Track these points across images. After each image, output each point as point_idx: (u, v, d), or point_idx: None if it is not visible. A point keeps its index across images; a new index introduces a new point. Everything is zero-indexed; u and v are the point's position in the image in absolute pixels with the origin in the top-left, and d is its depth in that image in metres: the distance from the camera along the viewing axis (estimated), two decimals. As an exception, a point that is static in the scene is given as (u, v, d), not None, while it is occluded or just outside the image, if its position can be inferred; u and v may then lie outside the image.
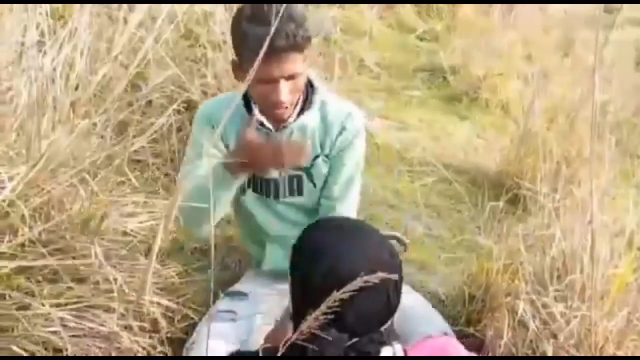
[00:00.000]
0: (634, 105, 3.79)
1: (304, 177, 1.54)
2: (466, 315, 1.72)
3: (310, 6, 3.03)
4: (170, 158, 2.12)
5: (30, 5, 1.97)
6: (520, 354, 1.57)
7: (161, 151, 2.14)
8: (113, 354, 1.36)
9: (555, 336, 1.49)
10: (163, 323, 1.46)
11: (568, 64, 4.11)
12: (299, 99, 1.44)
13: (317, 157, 1.52)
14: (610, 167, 2.15)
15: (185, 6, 2.70)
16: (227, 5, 2.65)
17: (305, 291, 0.96)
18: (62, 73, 1.98)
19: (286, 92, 1.33)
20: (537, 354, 1.53)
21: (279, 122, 1.44)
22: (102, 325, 1.35)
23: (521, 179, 2.46)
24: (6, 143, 1.60)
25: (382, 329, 0.97)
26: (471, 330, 1.65)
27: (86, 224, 1.53)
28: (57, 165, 1.56)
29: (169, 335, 1.49)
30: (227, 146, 1.49)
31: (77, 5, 2.41)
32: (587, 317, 1.45)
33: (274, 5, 1.22)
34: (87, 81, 1.96)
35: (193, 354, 1.40)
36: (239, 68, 1.37)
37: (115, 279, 1.39)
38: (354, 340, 0.92)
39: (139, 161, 2.05)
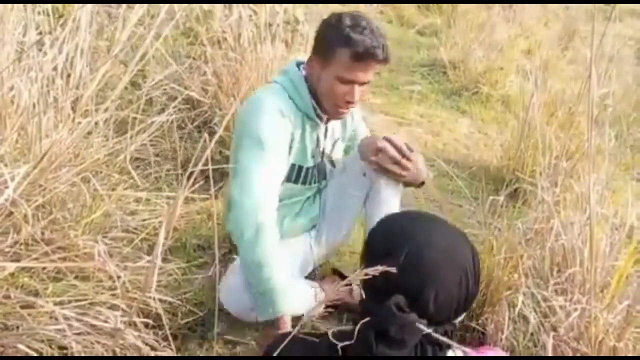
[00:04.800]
0: (634, 99, 3.79)
1: (327, 163, 1.75)
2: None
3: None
4: (171, 155, 2.13)
5: (29, 5, 1.98)
6: (521, 347, 1.57)
7: (162, 149, 2.14)
8: (117, 351, 1.37)
9: (555, 329, 1.50)
10: (166, 319, 1.47)
11: (568, 58, 4.10)
12: None
13: (336, 140, 1.77)
14: (610, 160, 2.16)
15: (184, 4, 2.71)
16: (226, 3, 2.65)
17: (383, 272, 0.92)
18: (63, 72, 1.99)
19: (358, 97, 1.55)
20: (538, 347, 1.54)
21: (334, 117, 1.65)
22: (105, 322, 1.36)
23: (521, 173, 2.46)
24: (8, 143, 1.60)
25: (457, 321, 0.98)
26: (472, 324, 1.65)
27: (89, 222, 1.54)
28: (59, 164, 1.57)
29: (172, 331, 1.50)
30: (290, 140, 1.59)
31: (77, 4, 2.41)
32: (587, 310, 1.46)
33: (366, 20, 1.49)
34: (87, 80, 1.97)
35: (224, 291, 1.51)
36: (321, 62, 1.53)
37: (119, 277, 1.40)
38: (430, 329, 0.91)
39: (140, 159, 2.06)
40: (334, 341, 0.90)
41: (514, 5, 4.69)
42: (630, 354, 1.45)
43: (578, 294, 1.51)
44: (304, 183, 1.70)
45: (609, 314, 1.45)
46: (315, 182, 1.74)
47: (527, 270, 1.66)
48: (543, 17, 5.21)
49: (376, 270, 0.86)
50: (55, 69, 2.00)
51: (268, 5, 2.58)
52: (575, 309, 1.47)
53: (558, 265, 1.67)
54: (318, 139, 1.68)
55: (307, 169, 1.68)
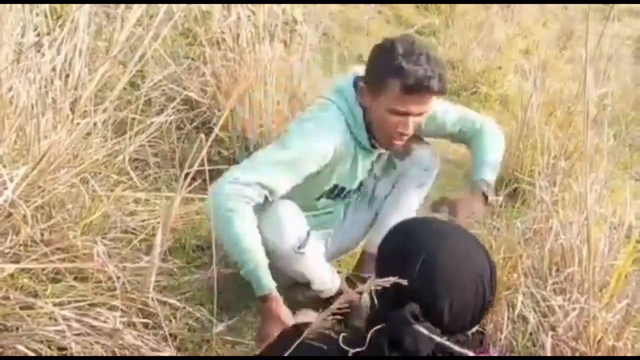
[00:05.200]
0: (632, 98, 3.79)
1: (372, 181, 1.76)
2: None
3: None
4: (170, 156, 2.13)
5: (27, 6, 1.97)
6: (520, 347, 1.58)
7: (161, 149, 2.14)
8: (116, 351, 1.37)
9: (554, 329, 1.50)
10: (166, 320, 1.47)
11: (566, 57, 4.11)
12: None
13: (389, 158, 1.73)
14: (608, 159, 2.16)
15: (183, 4, 2.71)
16: (224, 4, 2.65)
17: (400, 275, 0.90)
18: (61, 73, 1.99)
19: (412, 128, 1.46)
20: (537, 347, 1.54)
21: (387, 148, 1.59)
22: (105, 322, 1.36)
23: (520, 173, 2.46)
24: (7, 144, 1.60)
25: (470, 332, 0.95)
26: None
27: (88, 223, 1.54)
28: (57, 165, 1.57)
29: (171, 331, 1.50)
30: (334, 161, 1.52)
31: (76, 5, 2.41)
32: (585, 310, 1.46)
33: (422, 48, 1.41)
34: (86, 80, 1.97)
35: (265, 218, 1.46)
36: (372, 92, 1.46)
37: (118, 277, 1.40)
38: (444, 338, 0.89)
39: (139, 160, 2.06)
40: (345, 347, 0.89)
41: (512, 5, 4.70)
42: (629, 354, 1.45)
43: (577, 294, 1.51)
44: (342, 198, 1.69)
45: (607, 313, 1.46)
46: (350, 197, 1.73)
47: (526, 270, 1.66)
48: (541, 17, 5.22)
49: (388, 281, 0.86)
50: (53, 69, 2.00)
51: (266, 6, 2.58)
52: (574, 309, 1.48)
53: (557, 265, 1.68)
54: (372, 166, 1.66)
55: (350, 190, 1.66)
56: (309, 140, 1.46)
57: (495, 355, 1.07)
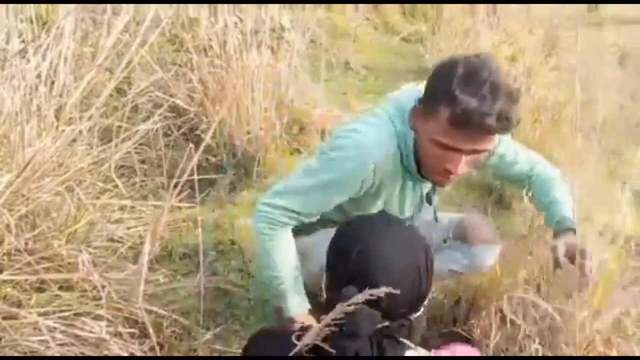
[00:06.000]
0: (617, 104, 3.84)
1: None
2: (454, 315, 1.73)
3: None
4: (157, 163, 2.11)
5: (12, 12, 1.96)
6: (508, 354, 1.58)
7: (148, 157, 2.13)
8: (102, 362, 1.35)
9: (543, 335, 1.51)
10: (152, 330, 1.45)
11: (551, 64, 4.16)
12: None
13: None
14: (595, 165, 2.18)
15: (170, 11, 2.70)
16: (212, 10, 2.65)
17: (342, 263, 0.98)
18: (47, 80, 1.97)
19: (464, 167, 1.23)
20: (525, 353, 1.54)
21: (433, 183, 1.39)
22: (90, 332, 1.34)
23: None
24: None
25: (413, 317, 0.99)
26: (458, 329, 1.66)
27: (73, 231, 1.52)
28: (42, 173, 1.55)
29: (158, 341, 1.48)
30: (378, 186, 1.34)
31: (62, 11, 2.39)
32: (574, 316, 1.47)
33: (490, 74, 1.15)
34: (71, 87, 1.95)
35: None
36: (422, 115, 1.24)
37: (103, 286, 1.38)
38: (385, 323, 0.93)
39: (126, 167, 2.04)
40: (295, 341, 0.92)
41: (498, 12, 4.74)
42: None
43: (565, 301, 1.52)
44: None
45: (596, 319, 1.46)
46: None
47: (515, 276, 1.66)
48: (527, 23, 5.27)
49: (382, 291, 0.87)
50: (38, 76, 1.98)
51: (254, 13, 2.58)
52: (563, 315, 1.48)
53: (545, 271, 1.68)
54: (423, 195, 1.45)
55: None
56: (342, 162, 1.29)
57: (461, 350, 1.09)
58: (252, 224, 1.39)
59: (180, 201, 1.56)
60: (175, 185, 1.34)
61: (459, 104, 1.14)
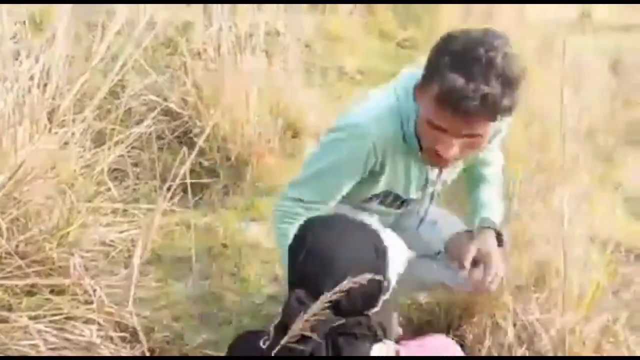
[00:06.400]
0: (608, 110, 3.87)
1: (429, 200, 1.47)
2: (445, 320, 1.73)
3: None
4: (150, 167, 2.11)
5: (5, 14, 1.95)
6: None
7: (141, 160, 2.12)
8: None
9: (532, 342, 1.52)
10: (143, 334, 1.45)
11: (544, 71, 4.18)
12: None
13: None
14: (585, 171, 2.20)
15: (165, 14, 2.71)
16: (206, 13, 2.65)
17: (291, 271, 1.00)
18: (40, 82, 1.97)
19: (455, 150, 1.14)
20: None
21: (431, 165, 1.30)
22: (81, 336, 1.34)
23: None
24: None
25: (370, 313, 0.99)
26: (450, 335, 1.66)
27: (64, 234, 1.52)
28: (34, 176, 1.54)
29: (149, 345, 1.48)
30: (381, 164, 1.29)
31: (56, 13, 2.39)
32: (563, 323, 1.48)
33: (489, 51, 1.05)
34: (64, 90, 1.95)
35: None
36: (419, 90, 1.17)
37: (95, 290, 1.38)
38: (341, 321, 0.93)
39: (118, 170, 2.03)
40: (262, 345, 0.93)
41: (492, 18, 4.77)
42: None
43: (554, 307, 1.53)
44: (397, 208, 1.44)
45: (585, 325, 1.47)
46: (408, 208, 1.46)
47: (505, 283, 1.67)
48: (520, 28, 5.31)
49: (364, 278, 0.88)
50: (31, 78, 1.98)
51: (249, 17, 2.58)
52: (552, 322, 1.49)
53: (535, 278, 1.69)
54: (428, 179, 1.37)
55: (405, 200, 1.41)
56: (341, 143, 1.25)
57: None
58: (272, 226, 1.35)
59: (172, 205, 1.56)
60: (168, 189, 1.34)
61: (446, 81, 1.05)
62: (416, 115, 1.19)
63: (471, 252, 1.33)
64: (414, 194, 1.39)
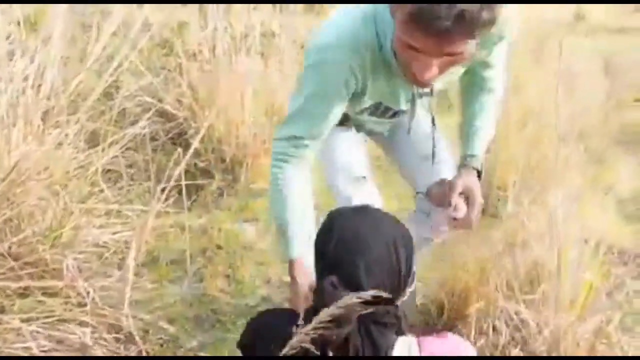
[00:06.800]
0: (602, 113, 3.88)
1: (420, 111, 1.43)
2: (439, 321, 1.74)
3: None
4: (144, 167, 2.11)
5: (0, 15, 1.94)
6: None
7: (135, 160, 2.12)
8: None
9: (526, 342, 1.52)
10: (138, 336, 1.44)
11: (538, 73, 4.20)
12: None
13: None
14: (578, 173, 2.21)
15: (160, 16, 2.70)
16: (202, 14, 2.65)
17: (321, 259, 1.01)
18: (34, 83, 1.96)
19: (434, 71, 1.08)
20: (509, 360, 1.55)
21: (416, 85, 1.23)
22: (75, 338, 1.33)
23: (491, 187, 2.50)
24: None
25: (398, 302, 1.01)
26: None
27: (58, 235, 1.51)
28: (27, 177, 1.54)
29: (144, 347, 1.48)
30: (363, 84, 1.24)
31: (51, 13, 2.38)
32: (557, 324, 1.48)
33: None
34: (59, 91, 1.94)
35: None
36: (395, 6, 1.07)
37: (88, 292, 1.38)
38: (371, 309, 0.94)
39: (112, 171, 2.03)
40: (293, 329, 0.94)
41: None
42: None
43: (548, 308, 1.53)
44: (390, 118, 1.41)
45: (578, 327, 1.48)
46: (398, 117, 1.41)
47: (498, 284, 1.68)
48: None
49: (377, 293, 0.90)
50: (26, 79, 1.97)
51: (244, 18, 2.58)
52: (546, 323, 1.50)
53: (529, 279, 1.70)
54: (415, 93, 1.31)
55: (398, 111, 1.37)
56: (316, 69, 1.20)
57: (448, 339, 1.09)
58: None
59: (167, 206, 1.55)
60: (162, 191, 1.34)
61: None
62: (393, 29, 1.10)
63: (457, 190, 1.35)
64: (404, 106, 1.35)
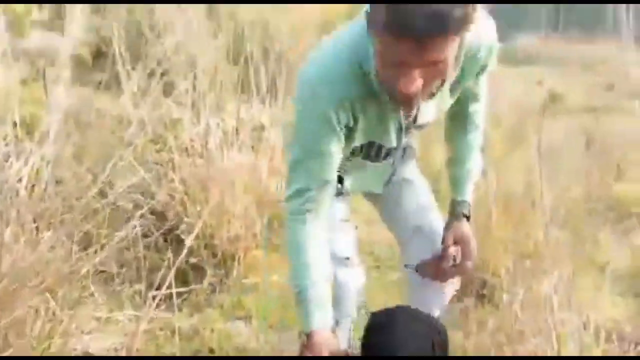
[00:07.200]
0: (587, 190, 3.95)
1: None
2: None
3: None
4: (136, 267, 2.09)
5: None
6: None
7: (127, 260, 2.11)
8: None
9: None
10: None
11: (519, 154, 4.30)
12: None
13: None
14: (568, 256, 2.21)
15: (155, 111, 2.80)
16: (194, 110, 2.74)
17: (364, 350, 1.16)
18: (27, 184, 1.98)
19: (419, 83, 1.04)
20: None
21: (401, 107, 1.21)
22: None
23: (486, 273, 2.48)
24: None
25: None
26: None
27: (46, 346, 1.47)
28: (19, 285, 1.52)
29: None
30: (354, 116, 1.21)
31: (46, 116, 2.44)
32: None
33: None
34: (52, 193, 1.96)
35: None
36: (370, 18, 1.05)
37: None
38: None
39: (103, 272, 2.01)
40: None
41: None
42: None
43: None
44: (385, 158, 1.36)
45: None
46: (390, 158, 1.38)
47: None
48: (492, 116, 5.51)
49: None
50: (19, 180, 2.00)
51: (235, 112, 2.68)
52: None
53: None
54: (402, 124, 1.28)
55: (391, 148, 1.33)
56: (305, 112, 1.19)
57: None
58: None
59: (158, 311, 1.53)
60: (154, 298, 1.33)
61: (390, 6, 0.97)
62: (373, 54, 1.08)
63: (450, 242, 1.40)
64: (395, 142, 1.31)
